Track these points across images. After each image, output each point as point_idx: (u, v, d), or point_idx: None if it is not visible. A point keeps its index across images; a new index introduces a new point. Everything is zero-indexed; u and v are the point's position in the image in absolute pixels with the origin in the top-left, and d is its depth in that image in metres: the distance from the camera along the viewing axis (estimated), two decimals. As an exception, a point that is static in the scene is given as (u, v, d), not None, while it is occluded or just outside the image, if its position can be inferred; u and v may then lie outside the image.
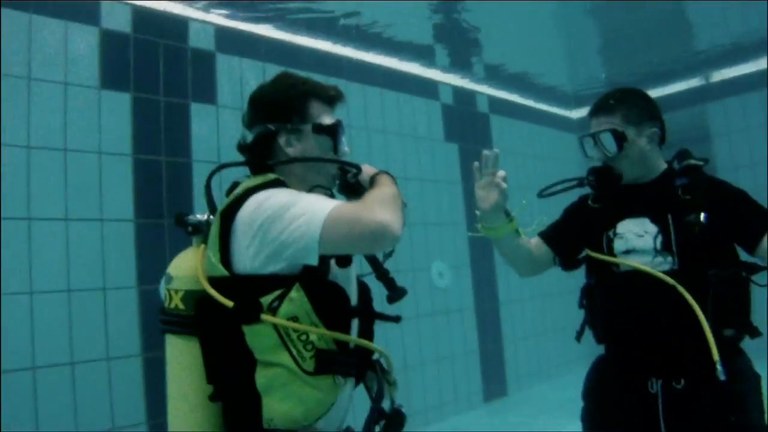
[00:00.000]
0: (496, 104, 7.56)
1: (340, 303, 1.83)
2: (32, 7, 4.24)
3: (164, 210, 4.53)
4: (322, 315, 1.75)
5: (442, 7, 6.62)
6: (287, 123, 1.96)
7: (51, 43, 4.29)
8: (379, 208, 1.67)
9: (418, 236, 6.31)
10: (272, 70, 2.08)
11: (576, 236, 2.61)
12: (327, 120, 2.01)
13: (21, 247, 3.94)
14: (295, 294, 1.72)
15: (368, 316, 2.00)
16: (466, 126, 7.15)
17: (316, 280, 1.77)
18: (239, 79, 5.16)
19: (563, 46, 7.32)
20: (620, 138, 2.40)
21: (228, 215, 1.80)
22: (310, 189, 1.97)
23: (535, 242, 2.71)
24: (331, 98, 2.05)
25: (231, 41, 5.21)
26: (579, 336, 2.65)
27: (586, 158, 2.60)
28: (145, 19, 4.73)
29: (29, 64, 4.17)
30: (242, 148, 2.03)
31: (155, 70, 4.73)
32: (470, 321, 6.70)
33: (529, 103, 8.09)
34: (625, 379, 2.45)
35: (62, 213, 4.14)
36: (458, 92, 7.16)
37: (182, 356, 1.86)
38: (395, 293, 2.05)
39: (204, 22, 5.09)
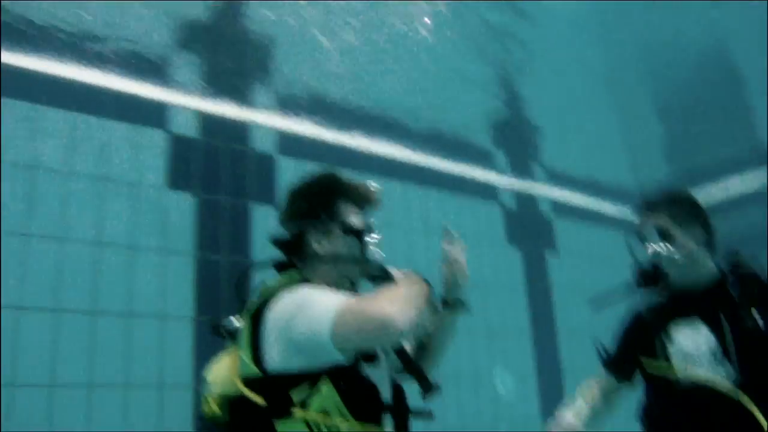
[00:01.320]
0: (560, 207, 7.46)
1: (370, 397, 1.80)
2: (106, 113, 4.45)
3: (221, 309, 4.52)
4: (352, 409, 1.74)
5: (502, 109, 6.71)
6: (316, 221, 1.96)
7: (123, 146, 4.46)
8: (386, 302, 1.67)
9: (480, 343, 6.10)
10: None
11: (633, 349, 2.50)
12: (355, 221, 2.00)
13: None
14: (325, 388, 1.73)
15: (402, 413, 1.94)
16: (529, 230, 7.04)
17: (345, 374, 1.75)
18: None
19: (624, 144, 7.30)
20: (667, 237, 2.35)
21: (256, 316, 1.82)
22: (330, 285, 1.94)
23: (604, 386, 2.59)
24: (363, 199, 2.05)
25: (291, 144, 5.34)
26: None
27: (633, 259, 2.54)
28: (211, 124, 4.91)
29: (103, 167, 4.35)
30: (276, 243, 2.04)
31: (218, 171, 4.85)
32: (537, 434, 6.34)
33: (593, 205, 7.97)
34: None
35: (125, 307, 4.19)
36: (519, 196, 7.10)
37: None
38: (427, 388, 2.01)
39: (266, 127, 5.24)
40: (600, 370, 2.65)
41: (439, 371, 5.48)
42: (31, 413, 3.76)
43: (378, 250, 2.07)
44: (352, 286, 2.02)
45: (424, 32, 5.47)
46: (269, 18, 5.10)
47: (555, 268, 6.97)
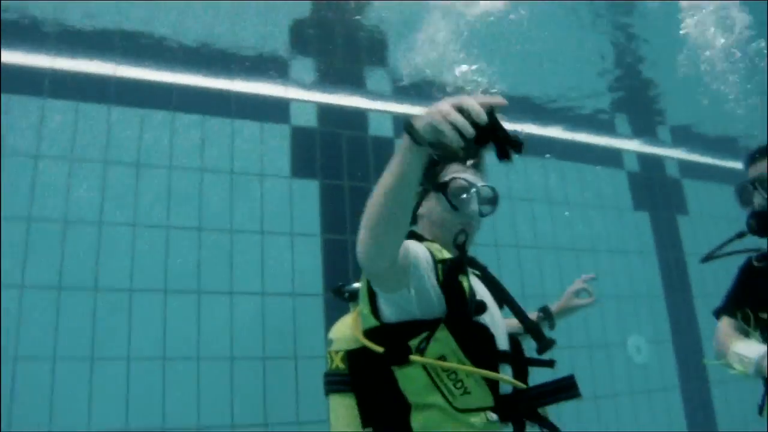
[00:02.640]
0: (688, 168, 7.13)
1: (486, 344, 1.84)
2: (234, 113, 4.80)
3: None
4: (468, 354, 1.82)
5: (621, 74, 6.52)
6: (419, 186, 2.08)
7: (249, 141, 4.79)
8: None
9: (610, 310, 6.00)
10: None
11: (750, 302, 2.50)
12: (446, 176, 2.09)
13: (223, 314, 4.34)
14: (441, 334, 1.82)
15: (520, 362, 2.01)
16: (656, 193, 6.80)
17: (461, 322, 1.80)
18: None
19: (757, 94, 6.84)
20: None
21: None
22: (443, 244, 2.04)
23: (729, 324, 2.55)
24: (463, 156, 2.10)
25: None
26: (761, 409, 2.45)
27: (744, 208, 2.46)
28: (329, 114, 5.15)
29: (231, 161, 4.68)
30: None
31: (339, 158, 5.08)
32: (676, 402, 6.13)
33: (726, 163, 7.55)
34: None
35: (259, 288, 4.52)
36: (644, 159, 6.86)
37: (342, 412, 1.96)
38: (542, 343, 2.07)
39: (382, 112, 5.41)
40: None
41: (570, 340, 5.49)
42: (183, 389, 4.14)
43: (474, 202, 2.11)
44: (460, 237, 2.08)
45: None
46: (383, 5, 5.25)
47: (687, 231, 6.70)
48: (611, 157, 6.63)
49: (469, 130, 1.44)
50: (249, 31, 5.07)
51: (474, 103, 1.46)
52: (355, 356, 1.98)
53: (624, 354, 5.97)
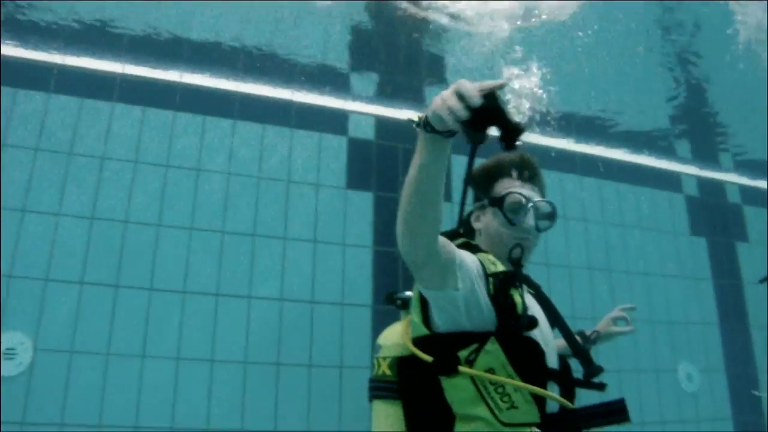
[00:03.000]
0: (750, 194, 6.95)
1: (536, 360, 1.84)
2: (293, 122, 4.91)
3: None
4: (518, 368, 1.80)
5: (682, 97, 6.43)
6: (476, 201, 2.16)
7: (308, 151, 4.89)
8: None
9: (663, 335, 5.89)
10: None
11: None
12: (503, 191, 2.11)
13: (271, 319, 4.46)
14: (491, 347, 1.81)
15: (569, 382, 1.98)
16: (715, 218, 6.65)
17: (512, 336, 1.81)
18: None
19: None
20: None
21: None
22: (499, 259, 2.04)
23: None
24: (519, 172, 2.14)
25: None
26: None
27: None
28: (386, 126, 5.21)
29: (289, 171, 4.79)
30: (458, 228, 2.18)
31: (395, 170, 5.14)
32: (727, 432, 5.98)
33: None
34: None
35: (309, 296, 4.62)
36: (704, 183, 6.72)
37: (387, 419, 1.97)
38: (590, 368, 2.01)
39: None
40: None
41: (619, 364, 5.41)
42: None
43: (531, 217, 2.11)
44: (516, 252, 2.08)
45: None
46: (441, 22, 5.31)
47: (746, 258, 6.54)
48: (670, 181, 6.53)
49: (462, 113, 1.50)
50: (310, 40, 5.17)
51: (469, 87, 1.51)
52: (403, 364, 1.98)
53: (674, 381, 5.84)
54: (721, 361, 6.16)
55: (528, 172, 2.16)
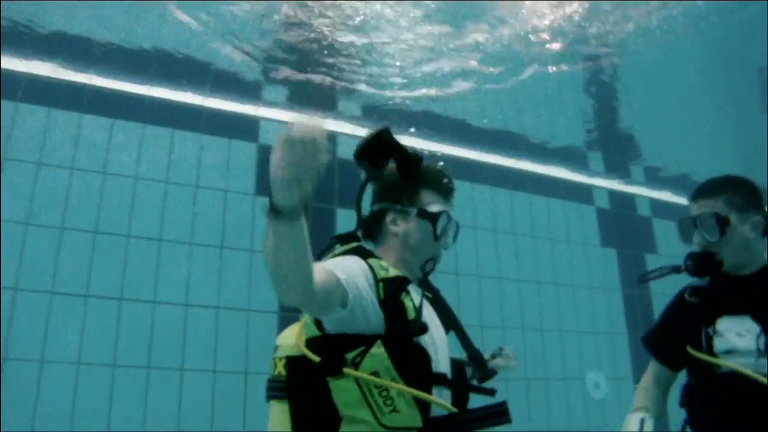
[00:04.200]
0: (660, 207, 7.18)
1: (422, 365, 1.86)
2: (202, 128, 4.88)
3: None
4: (402, 372, 1.81)
5: (596, 116, 6.62)
6: (397, 204, 2.09)
7: (217, 156, 4.88)
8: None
9: (571, 344, 6.01)
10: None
11: (676, 335, 2.44)
12: (434, 208, 2.09)
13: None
14: (376, 350, 1.81)
15: (461, 388, 2.01)
16: (626, 230, 6.85)
17: (399, 341, 1.83)
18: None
19: (732, 145, 6.95)
20: (723, 222, 2.27)
21: None
22: (405, 267, 2.06)
23: (653, 371, 2.61)
24: (444, 189, 2.15)
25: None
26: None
27: (685, 245, 2.44)
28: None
29: (198, 175, 4.77)
30: (361, 218, 2.16)
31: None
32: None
33: (696, 205, 7.61)
34: None
35: (215, 301, 4.62)
36: (615, 196, 6.92)
37: (280, 419, 1.96)
38: (483, 372, 2.08)
39: (351, 135, 5.50)
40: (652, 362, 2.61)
41: (527, 372, 5.48)
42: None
43: (451, 236, 2.16)
44: (430, 266, 2.12)
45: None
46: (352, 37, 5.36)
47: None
48: (581, 193, 6.69)
49: (318, 163, 1.38)
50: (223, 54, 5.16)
51: (304, 131, 1.37)
52: (293, 364, 1.97)
53: (582, 389, 5.96)
54: (629, 369, 6.33)
55: (450, 189, 2.18)
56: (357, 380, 1.80)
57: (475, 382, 2.13)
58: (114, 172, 4.59)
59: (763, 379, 2.06)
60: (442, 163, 2.22)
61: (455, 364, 2.12)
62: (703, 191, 2.38)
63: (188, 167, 4.80)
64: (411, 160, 1.72)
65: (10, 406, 3.77)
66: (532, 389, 5.64)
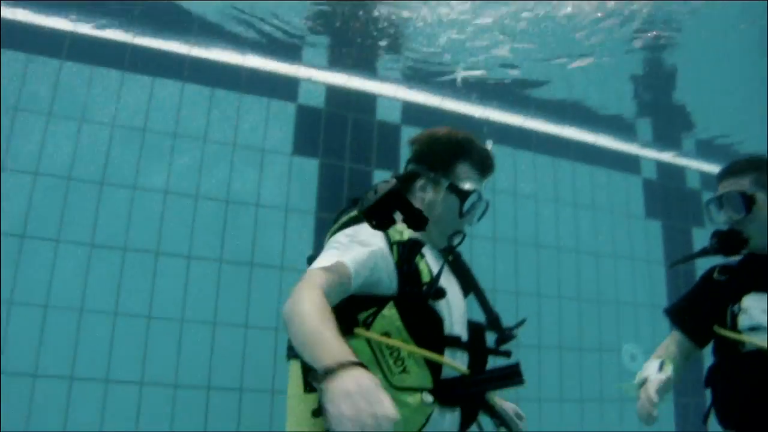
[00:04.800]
0: (711, 180, 6.95)
1: (434, 327, 1.87)
2: (242, 88, 4.92)
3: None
4: (413, 334, 1.83)
5: (648, 85, 6.42)
6: (431, 171, 2.07)
7: (255, 116, 4.94)
8: (295, 303, 1.58)
9: (609, 315, 5.93)
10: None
11: (702, 311, 2.43)
12: (466, 185, 2.07)
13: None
14: (388, 311, 1.84)
15: (479, 351, 2.03)
16: (672, 203, 6.67)
17: (412, 302, 1.84)
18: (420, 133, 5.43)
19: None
20: (749, 200, 2.26)
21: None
22: (425, 234, 2.05)
23: (675, 339, 2.56)
24: (483, 167, 2.12)
25: (416, 114, 5.52)
26: (705, 418, 2.45)
27: (712, 224, 2.41)
28: (337, 95, 5.22)
29: (235, 132, 4.81)
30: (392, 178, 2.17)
31: (343, 139, 5.15)
32: (668, 414, 6.02)
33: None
34: None
35: (248, 258, 4.69)
36: (664, 167, 6.73)
37: (294, 375, 2.00)
38: (502, 335, 2.10)
39: (391, 98, 5.47)
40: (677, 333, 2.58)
41: (561, 341, 5.44)
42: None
43: (477, 215, 2.14)
44: (457, 239, 2.10)
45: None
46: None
47: (701, 244, 6.55)
48: (628, 163, 6.53)
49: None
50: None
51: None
52: None
53: (617, 361, 5.89)
54: (666, 343, 6.21)
55: (489, 168, 2.15)
56: (368, 341, 1.83)
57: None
58: (154, 130, 4.69)
59: None
60: (490, 144, 2.17)
61: (474, 327, 2.13)
62: (729, 170, 2.38)
63: (228, 126, 4.88)
64: (418, 217, 1.81)
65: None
66: (565, 358, 5.61)
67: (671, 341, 2.59)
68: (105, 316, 4.24)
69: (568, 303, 5.75)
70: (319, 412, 1.67)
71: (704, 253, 2.44)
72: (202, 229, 4.63)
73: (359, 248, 1.83)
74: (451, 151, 2.08)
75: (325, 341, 1.44)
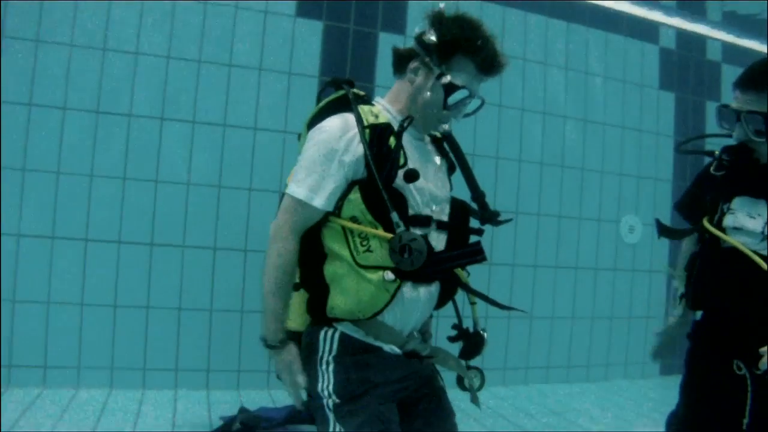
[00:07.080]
0: (732, 52, 6.68)
1: (398, 208, 1.90)
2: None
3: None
4: (377, 216, 1.90)
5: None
6: (426, 55, 2.00)
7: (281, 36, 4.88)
8: (268, 256, 1.95)
9: (610, 186, 5.95)
10: (464, 7, 2.08)
11: (701, 205, 2.46)
12: (458, 79, 2.00)
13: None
14: (353, 195, 1.91)
15: (455, 230, 2.10)
16: (690, 75, 6.47)
17: (374, 185, 1.88)
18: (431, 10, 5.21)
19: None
20: (757, 115, 2.14)
21: (311, 127, 2.01)
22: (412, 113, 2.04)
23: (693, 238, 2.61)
24: (484, 67, 2.02)
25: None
26: (684, 297, 2.54)
27: (721, 128, 2.35)
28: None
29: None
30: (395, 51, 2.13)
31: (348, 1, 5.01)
32: (659, 285, 6.19)
33: (772, 50, 7.04)
34: (712, 356, 2.36)
35: (252, 123, 4.76)
36: (684, 36, 6.45)
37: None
38: (486, 213, 2.18)
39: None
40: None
41: (561, 210, 5.50)
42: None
43: (463, 111, 2.09)
44: (445, 127, 2.11)
45: None
46: None
47: (713, 119, 6.43)
48: (646, 30, 6.26)
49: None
50: None
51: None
52: None
53: (615, 231, 5.98)
54: (667, 217, 6.25)
55: (492, 71, 2.05)
56: (342, 226, 1.92)
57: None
58: (177, 56, 4.62)
59: (760, 261, 2.12)
60: (503, 57, 2.04)
61: (457, 206, 2.15)
62: (751, 81, 2.19)
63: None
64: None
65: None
66: (564, 227, 5.69)
67: (689, 240, 2.67)
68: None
69: (570, 172, 5.75)
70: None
71: (709, 154, 2.42)
72: (205, 93, 4.67)
73: (328, 166, 1.90)
74: (453, 40, 1.98)
75: (270, 317, 1.94)
